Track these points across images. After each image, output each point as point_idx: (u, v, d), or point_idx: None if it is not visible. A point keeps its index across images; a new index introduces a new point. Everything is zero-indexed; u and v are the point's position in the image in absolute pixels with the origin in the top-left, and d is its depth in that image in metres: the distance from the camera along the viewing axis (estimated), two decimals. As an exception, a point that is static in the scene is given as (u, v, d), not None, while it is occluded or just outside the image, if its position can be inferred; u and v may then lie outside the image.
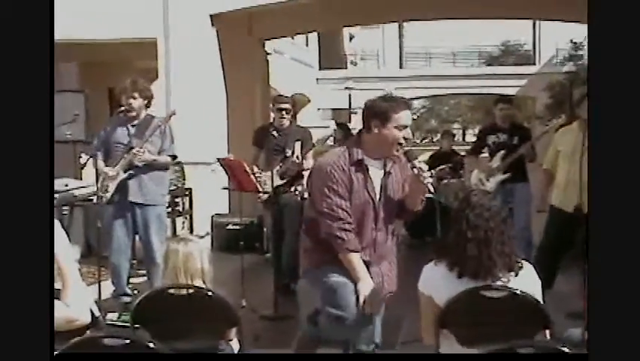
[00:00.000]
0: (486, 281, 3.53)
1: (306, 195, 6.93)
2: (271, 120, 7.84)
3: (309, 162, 7.22)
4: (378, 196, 4.17)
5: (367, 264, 4.17)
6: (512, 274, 3.56)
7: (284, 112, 7.45)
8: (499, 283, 3.54)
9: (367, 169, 4.14)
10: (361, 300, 4.00)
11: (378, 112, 4.10)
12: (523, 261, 3.66)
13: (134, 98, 6.47)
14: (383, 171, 4.20)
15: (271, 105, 7.79)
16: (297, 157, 7.14)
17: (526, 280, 3.62)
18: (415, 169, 4.10)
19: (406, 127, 4.09)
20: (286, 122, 7.48)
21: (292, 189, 7.36)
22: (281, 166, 7.26)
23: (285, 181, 7.31)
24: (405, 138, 4.06)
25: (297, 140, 7.18)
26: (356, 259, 4.08)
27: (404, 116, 4.08)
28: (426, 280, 3.72)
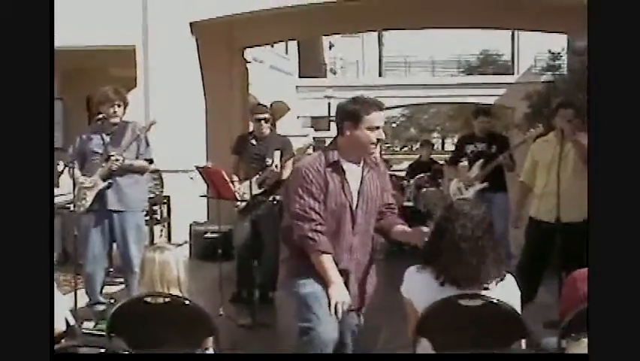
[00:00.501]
0: (472, 289, 3.53)
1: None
2: (250, 129, 7.82)
3: (288, 171, 7.19)
4: (355, 200, 4.11)
5: (344, 270, 4.10)
6: (498, 281, 3.58)
7: (262, 121, 7.44)
8: (483, 291, 3.54)
9: (344, 171, 4.09)
10: (332, 304, 3.95)
11: (349, 114, 4.08)
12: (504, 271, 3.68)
13: (119, 107, 6.46)
14: (361, 175, 4.16)
15: (250, 115, 7.75)
16: (276, 166, 7.12)
17: (508, 290, 3.64)
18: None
19: (378, 128, 4.07)
20: (266, 131, 7.46)
21: (270, 198, 7.35)
22: (260, 175, 7.25)
23: (263, 190, 7.29)
24: (377, 139, 4.05)
25: (277, 149, 7.17)
26: (327, 261, 4.00)
27: (376, 118, 4.06)
28: (408, 284, 3.74)
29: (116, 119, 6.47)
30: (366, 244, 4.25)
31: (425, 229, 3.99)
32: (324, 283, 4.01)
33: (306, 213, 3.99)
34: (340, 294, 3.94)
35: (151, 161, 6.69)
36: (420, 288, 3.66)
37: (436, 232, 3.70)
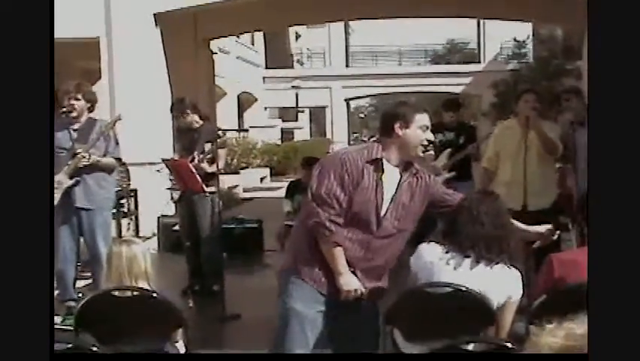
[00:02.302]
0: (487, 263, 3.68)
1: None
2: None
3: (222, 162, 7.43)
4: (386, 203, 3.91)
5: (355, 269, 3.88)
6: (506, 261, 3.72)
7: (184, 116, 7.46)
8: (494, 265, 3.69)
9: (383, 171, 3.91)
10: (342, 294, 3.86)
11: (400, 114, 3.99)
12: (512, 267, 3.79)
13: (77, 100, 6.37)
14: (399, 180, 3.98)
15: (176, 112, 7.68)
16: (207, 157, 7.11)
17: (511, 281, 3.73)
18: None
19: (428, 128, 4.03)
20: (194, 124, 7.46)
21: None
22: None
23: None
24: (428, 140, 4.00)
25: (208, 141, 7.14)
26: (338, 253, 3.82)
27: (426, 117, 4.02)
28: (418, 256, 3.84)
29: (74, 113, 6.39)
30: (389, 253, 4.00)
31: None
32: (331, 282, 3.86)
33: (329, 198, 3.79)
34: (350, 282, 3.79)
35: (119, 160, 6.64)
36: (432, 262, 3.75)
37: (460, 212, 3.86)
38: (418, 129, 3.94)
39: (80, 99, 6.38)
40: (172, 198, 7.60)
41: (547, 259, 3.85)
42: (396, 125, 3.91)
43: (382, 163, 3.90)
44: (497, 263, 3.67)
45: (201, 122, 7.53)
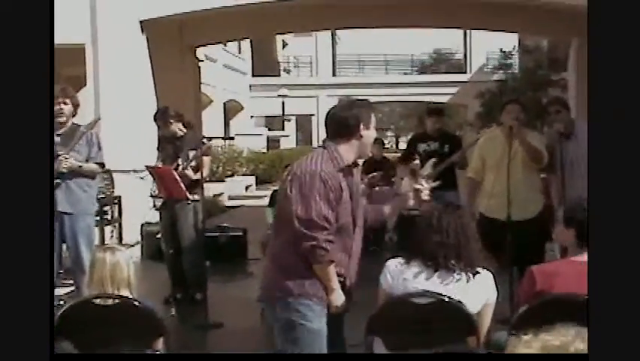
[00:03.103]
0: (455, 278, 3.67)
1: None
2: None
3: (206, 170, 7.48)
4: (358, 204, 3.99)
5: (343, 275, 3.90)
6: (477, 272, 3.71)
7: (168, 124, 7.48)
8: (464, 280, 3.67)
9: (352, 176, 3.93)
10: (332, 310, 3.81)
11: (363, 114, 3.92)
12: (483, 268, 3.80)
13: (65, 104, 6.36)
14: (357, 179, 4.03)
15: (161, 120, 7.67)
16: (191, 165, 7.11)
17: (486, 285, 3.75)
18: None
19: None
20: (178, 132, 7.49)
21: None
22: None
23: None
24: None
25: (192, 149, 7.14)
26: (332, 270, 3.80)
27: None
28: (389, 276, 3.82)
29: (63, 118, 6.37)
30: (359, 250, 4.06)
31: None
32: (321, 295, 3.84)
33: (320, 221, 3.70)
34: (340, 298, 3.82)
35: (102, 165, 6.60)
36: (401, 279, 3.74)
37: (421, 226, 3.86)
38: (374, 129, 3.96)
39: (67, 103, 6.37)
40: (154, 205, 7.58)
41: (527, 271, 3.85)
42: (361, 126, 3.89)
43: (351, 168, 3.91)
44: (467, 273, 3.69)
45: (185, 130, 7.52)
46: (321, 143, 4.04)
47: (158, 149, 7.66)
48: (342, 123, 3.92)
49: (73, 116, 6.50)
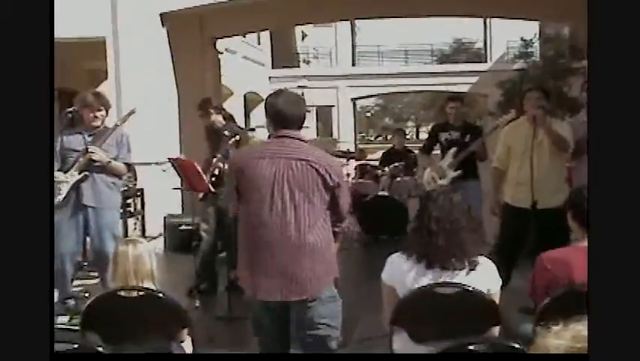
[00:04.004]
0: (454, 271, 3.60)
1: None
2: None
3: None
4: None
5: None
6: (473, 265, 3.63)
7: (209, 115, 7.72)
8: (464, 272, 3.60)
9: None
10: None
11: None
12: (485, 258, 3.73)
13: (100, 111, 6.47)
14: None
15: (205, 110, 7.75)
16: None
17: (487, 275, 3.69)
18: None
19: None
20: (217, 124, 7.67)
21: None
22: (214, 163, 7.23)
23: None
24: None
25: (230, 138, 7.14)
26: None
27: None
28: (390, 270, 3.77)
29: (98, 123, 6.48)
30: None
31: None
32: None
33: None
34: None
35: (129, 166, 6.70)
36: (404, 273, 3.69)
37: (416, 218, 3.81)
38: None
39: (102, 109, 6.48)
40: (200, 198, 7.58)
41: (537, 260, 3.83)
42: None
43: None
44: (465, 265, 3.64)
45: (224, 121, 7.62)
46: (284, 133, 4.06)
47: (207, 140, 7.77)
48: (303, 117, 4.12)
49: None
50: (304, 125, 4.07)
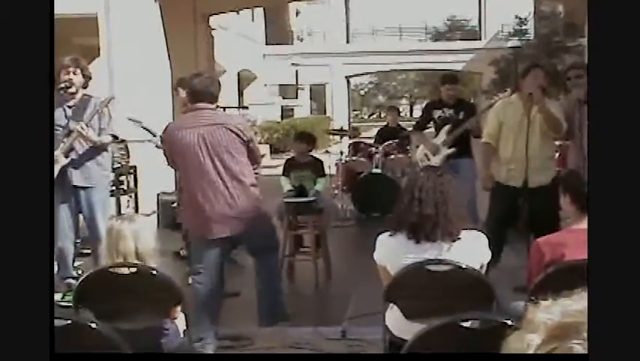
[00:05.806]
0: (440, 242, 3.60)
1: None
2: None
3: None
4: None
5: None
6: (465, 234, 3.64)
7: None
8: (449, 242, 3.60)
9: None
10: None
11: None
12: (475, 230, 3.76)
13: (75, 74, 6.35)
14: None
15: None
16: None
17: (479, 246, 3.70)
18: None
19: None
20: None
21: None
22: None
23: None
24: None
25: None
26: None
27: None
28: (380, 250, 3.77)
29: (73, 89, 6.36)
30: None
31: None
32: None
33: None
34: None
35: (116, 137, 6.62)
36: (393, 251, 3.70)
37: (404, 190, 3.81)
38: None
39: (77, 74, 6.36)
40: None
41: (533, 244, 3.84)
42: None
43: None
44: (449, 240, 3.62)
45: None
46: (199, 106, 5.13)
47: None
48: (217, 94, 5.23)
49: (84, 87, 6.50)
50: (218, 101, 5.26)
